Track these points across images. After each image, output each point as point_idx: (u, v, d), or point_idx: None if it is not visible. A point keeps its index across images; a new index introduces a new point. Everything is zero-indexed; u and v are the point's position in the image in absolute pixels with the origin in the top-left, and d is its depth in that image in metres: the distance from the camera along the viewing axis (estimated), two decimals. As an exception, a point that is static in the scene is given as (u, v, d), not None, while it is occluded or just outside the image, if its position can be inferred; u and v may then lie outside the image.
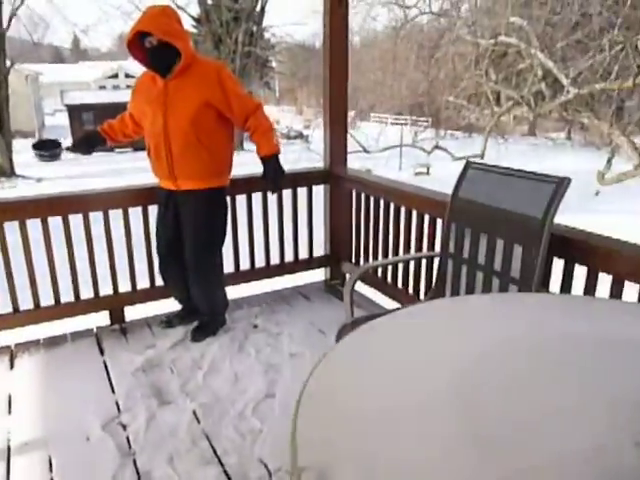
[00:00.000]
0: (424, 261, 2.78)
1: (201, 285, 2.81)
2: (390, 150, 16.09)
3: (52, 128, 29.50)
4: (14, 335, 2.80)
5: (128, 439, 2.08)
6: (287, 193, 3.20)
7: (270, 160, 2.66)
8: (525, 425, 0.96)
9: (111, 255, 2.89)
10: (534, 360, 1.17)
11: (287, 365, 2.56)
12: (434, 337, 1.31)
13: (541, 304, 1.55)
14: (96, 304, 2.95)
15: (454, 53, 9.85)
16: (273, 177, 2.69)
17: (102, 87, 33.89)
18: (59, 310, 2.86)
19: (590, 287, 1.95)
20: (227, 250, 3.05)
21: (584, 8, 8.36)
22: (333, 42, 3.09)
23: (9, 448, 2.06)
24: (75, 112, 24.11)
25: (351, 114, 22.69)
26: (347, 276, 3.48)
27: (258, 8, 22.78)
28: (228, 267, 3.15)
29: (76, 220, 2.75)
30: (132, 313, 3.06)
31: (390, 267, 3.07)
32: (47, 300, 2.83)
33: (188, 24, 23.81)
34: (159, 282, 2.95)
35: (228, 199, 2.82)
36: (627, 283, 1.84)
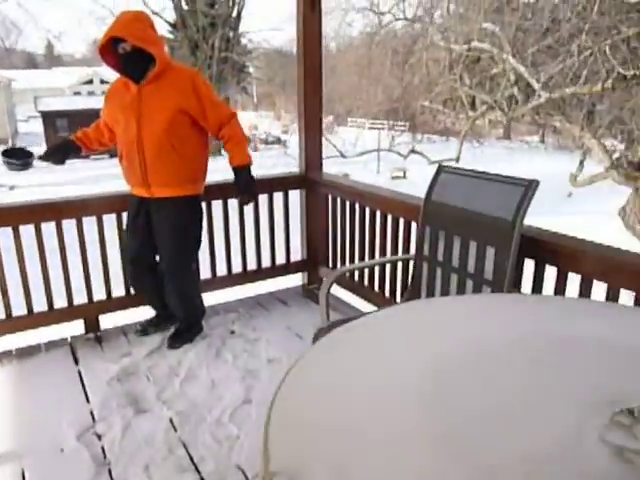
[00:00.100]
0: (400, 264, 2.80)
1: (177, 293, 2.80)
2: (368, 154, 16.19)
3: (26, 135, 29.02)
4: (-14, 346, 2.75)
5: (103, 449, 2.05)
6: (263, 198, 3.20)
7: (242, 171, 2.66)
8: (491, 423, 0.98)
9: (85, 263, 2.85)
10: (503, 359, 1.20)
11: (264, 370, 2.56)
12: (406, 338, 1.33)
13: (511, 304, 1.58)
14: (70, 313, 2.91)
15: (428, 58, 9.97)
16: (244, 188, 2.69)
17: (77, 93, 33.47)
18: (32, 320, 2.82)
19: (560, 287, 1.99)
20: (203, 256, 3.04)
21: (554, 14, 8.55)
22: (307, 48, 3.11)
23: (-20, 461, 2.01)
24: (49, 119, 23.78)
25: (329, 119, 22.80)
26: (324, 280, 3.49)
27: (234, 14, 22.75)
28: (205, 273, 3.14)
29: (49, 228, 2.71)
30: (107, 321, 3.02)
31: (367, 270, 3.09)
32: (20, 310, 2.78)
33: (164, 30, 23.67)
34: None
35: (204, 205, 2.82)
36: (595, 282, 1.89)
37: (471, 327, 1.36)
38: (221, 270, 3.24)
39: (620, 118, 9.42)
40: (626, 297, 1.80)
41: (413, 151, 11.28)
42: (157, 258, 2.78)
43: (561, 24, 8.10)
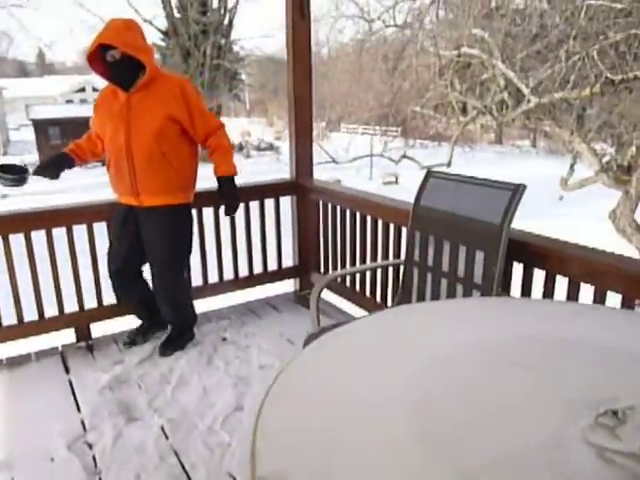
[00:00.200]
0: (391, 269, 2.81)
1: (169, 301, 2.80)
2: (360, 160, 16.24)
3: (17, 143, 28.92)
4: (-24, 356, 2.73)
5: (94, 458, 2.04)
6: (254, 205, 3.21)
7: (227, 181, 2.66)
8: (476, 426, 0.99)
9: (76, 271, 2.85)
10: (489, 362, 1.20)
11: (256, 377, 2.56)
12: (394, 342, 1.33)
13: (499, 308, 1.59)
14: (61, 322, 2.89)
15: (418, 64, 10.04)
16: (228, 199, 2.69)
17: (69, 101, 33.43)
18: (23, 329, 2.80)
19: (548, 290, 2.01)
20: (195, 263, 3.04)
21: (543, 20, 8.63)
22: (296, 54, 3.13)
23: (-30, 472, 2.00)
24: (41, 127, 23.71)
25: (322, 125, 22.85)
26: (315, 286, 3.50)
27: (226, 21, 22.86)
28: (196, 280, 3.15)
29: (39, 237, 2.70)
30: (98, 330, 3.01)
31: (358, 276, 3.10)
32: (10, 319, 2.77)
33: (156, 37, 23.73)
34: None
35: (195, 212, 2.82)
36: (583, 285, 1.91)
37: (459, 331, 1.37)
38: (213, 277, 3.24)
39: (609, 122, 9.51)
40: (613, 299, 1.82)
41: (405, 156, 11.33)
42: (143, 267, 2.77)
43: (550, 30, 8.18)
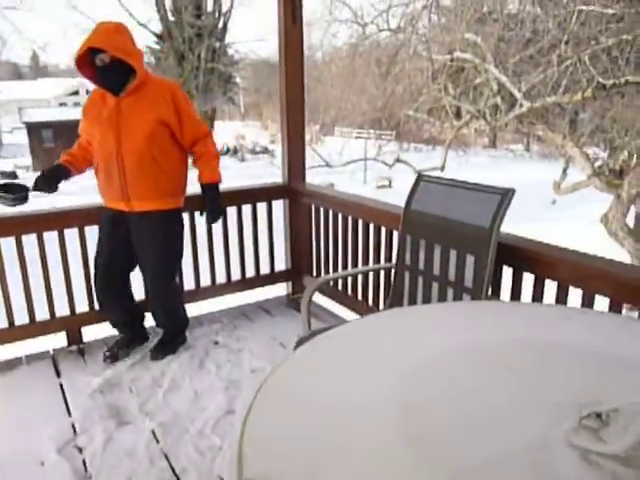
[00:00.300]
0: (382, 272, 2.82)
1: (161, 306, 2.80)
2: (354, 164, 16.28)
3: (10, 146, 28.80)
4: (-34, 360, 2.72)
5: (84, 462, 2.04)
6: (247, 208, 3.22)
7: (210, 189, 2.65)
8: (462, 428, 0.99)
9: (67, 275, 2.84)
10: (476, 365, 1.21)
11: (248, 381, 2.55)
12: (383, 346, 1.34)
13: (487, 312, 1.60)
14: (52, 325, 2.89)
15: (411, 68, 10.09)
16: (211, 206, 2.67)
17: (62, 104, 33.32)
18: (13, 332, 2.79)
19: (538, 293, 2.02)
20: (187, 267, 3.04)
21: (535, 25, 8.70)
22: (288, 59, 3.14)
23: (-41, 477, 1.99)
24: (34, 130, 23.62)
25: (315, 128, 22.89)
26: (305, 289, 3.50)
27: (220, 25, 22.88)
28: (188, 284, 3.14)
29: (30, 240, 2.70)
30: (90, 333, 3.00)
31: (350, 279, 3.11)
32: (1, 323, 2.76)
33: (150, 40, 23.72)
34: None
35: (187, 216, 2.82)
36: (571, 288, 1.92)
37: (448, 334, 1.38)
38: (205, 280, 3.24)
39: (602, 126, 9.58)
40: (601, 302, 1.83)
41: (398, 160, 11.37)
42: (130, 274, 2.75)
43: (542, 35, 8.24)
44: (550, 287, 1.98)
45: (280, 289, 3.62)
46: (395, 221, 2.45)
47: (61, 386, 2.57)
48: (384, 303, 2.85)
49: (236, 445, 0.99)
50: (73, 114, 22.46)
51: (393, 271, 2.43)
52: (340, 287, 3.18)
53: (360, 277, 3.03)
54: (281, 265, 3.55)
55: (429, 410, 1.05)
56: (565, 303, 1.93)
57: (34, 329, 2.83)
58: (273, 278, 3.52)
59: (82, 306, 2.93)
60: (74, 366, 2.75)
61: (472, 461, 0.91)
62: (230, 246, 3.23)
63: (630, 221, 8.43)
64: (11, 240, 2.65)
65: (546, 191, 11.32)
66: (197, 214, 3.01)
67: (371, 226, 2.86)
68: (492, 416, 1.04)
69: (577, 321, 1.49)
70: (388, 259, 2.77)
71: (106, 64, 2.33)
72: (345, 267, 3.13)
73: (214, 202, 2.68)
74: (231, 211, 3.16)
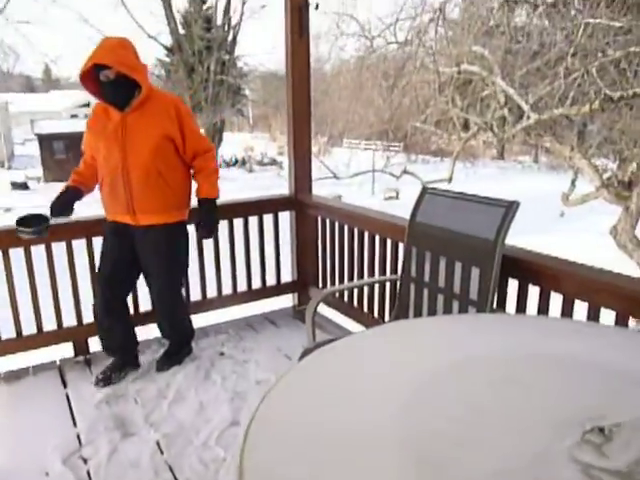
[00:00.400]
0: (388, 284, 2.82)
1: (168, 317, 2.81)
2: (362, 175, 16.31)
3: (22, 157, 29.12)
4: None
5: (89, 473, 2.04)
6: (254, 220, 3.24)
7: (207, 204, 2.64)
8: (465, 441, 0.99)
9: (75, 286, 2.86)
10: (482, 380, 1.21)
11: (253, 392, 2.55)
12: (387, 358, 1.34)
13: (492, 325, 1.59)
14: (59, 336, 2.91)
15: (419, 81, 10.14)
16: (206, 221, 2.66)
17: (74, 116, 33.65)
18: (21, 343, 2.81)
19: (543, 306, 2.02)
20: (194, 277, 3.06)
21: (543, 37, 8.71)
22: (295, 72, 3.17)
23: (-36, 487, 2.00)
24: (46, 141, 23.84)
25: (323, 140, 22.99)
26: (310, 301, 3.51)
27: (230, 38, 23.11)
28: (195, 295, 3.16)
29: (39, 251, 2.72)
30: (96, 344, 3.01)
31: (356, 291, 3.11)
32: (9, 333, 2.78)
33: (160, 53, 24.02)
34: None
35: (193, 228, 2.83)
36: (577, 301, 1.91)
37: (452, 348, 1.38)
38: (211, 291, 3.25)
39: (610, 138, 9.54)
40: (607, 316, 1.82)
41: (405, 172, 11.37)
42: (129, 293, 2.75)
43: (549, 47, 8.26)
44: (556, 300, 1.97)
45: (286, 300, 3.62)
46: (401, 233, 2.45)
47: (67, 396, 2.58)
48: (390, 315, 2.85)
49: (237, 458, 0.99)
50: (84, 126, 22.70)
51: (399, 283, 2.43)
52: (346, 299, 3.18)
53: (366, 289, 3.03)
54: (287, 276, 3.56)
55: (432, 425, 1.04)
56: (571, 316, 1.92)
57: (41, 339, 2.85)
58: (279, 289, 3.53)
59: (89, 317, 2.94)
60: (80, 377, 2.76)
61: (475, 477, 0.90)
62: (236, 257, 3.24)
63: (639, 233, 8.36)
64: (20, 251, 2.68)
65: (555, 203, 11.27)
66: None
67: (377, 238, 2.86)
68: (496, 431, 1.03)
69: (583, 335, 1.48)
70: (394, 271, 2.77)
71: (111, 80, 2.33)
72: (351, 279, 3.13)
73: (210, 217, 2.67)
74: (238, 223, 3.18)
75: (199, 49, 21.99)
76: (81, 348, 2.97)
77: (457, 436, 1.01)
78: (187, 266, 2.77)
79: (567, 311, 1.92)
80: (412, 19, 10.06)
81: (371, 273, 2.95)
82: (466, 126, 10.44)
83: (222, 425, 2.30)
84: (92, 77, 2.36)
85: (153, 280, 2.68)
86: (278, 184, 14.12)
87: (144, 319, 2.99)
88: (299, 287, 3.56)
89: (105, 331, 2.72)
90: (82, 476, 2.02)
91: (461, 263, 2.12)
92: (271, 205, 3.36)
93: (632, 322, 1.86)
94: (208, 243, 3.07)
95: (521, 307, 2.10)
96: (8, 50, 21.79)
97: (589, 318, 1.86)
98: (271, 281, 3.47)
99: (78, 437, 2.26)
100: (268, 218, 3.29)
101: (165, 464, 2.07)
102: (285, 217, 3.43)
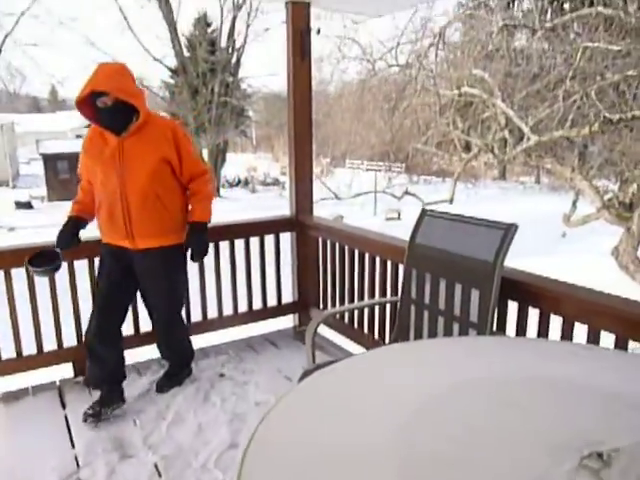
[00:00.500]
0: (388, 306, 2.82)
1: (167, 339, 2.81)
2: (364, 196, 16.39)
3: (26, 177, 29.35)
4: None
5: (86, 496, 2.02)
6: (255, 240, 3.25)
7: (197, 227, 2.61)
8: (462, 465, 0.99)
9: (75, 305, 2.87)
10: (481, 403, 1.21)
11: (252, 414, 2.54)
12: (388, 380, 1.34)
13: (493, 347, 1.59)
14: (59, 356, 2.90)
15: (420, 103, 10.26)
16: (196, 244, 2.63)
17: (79, 136, 33.95)
18: (21, 363, 2.81)
19: (543, 329, 2.01)
20: (194, 298, 3.06)
21: (542, 61, 8.84)
22: (296, 95, 3.22)
23: (-40, 509, 1.99)
24: (50, 161, 24.05)
25: (325, 161, 23.15)
26: (310, 322, 3.50)
27: (234, 60, 23.42)
28: (195, 315, 3.16)
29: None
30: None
31: (356, 312, 3.11)
32: (9, 353, 2.78)
33: (165, 75, 24.33)
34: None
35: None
36: (577, 324, 1.91)
37: (451, 371, 1.37)
38: (212, 312, 3.26)
39: (611, 159, 9.61)
40: (607, 338, 1.82)
41: (407, 192, 11.44)
42: (124, 320, 2.69)
43: (549, 70, 8.37)
44: (556, 322, 1.97)
45: (287, 321, 3.62)
46: (401, 254, 2.46)
47: (66, 418, 2.57)
48: (390, 337, 2.84)
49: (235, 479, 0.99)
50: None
51: (399, 305, 2.43)
52: (346, 320, 3.18)
53: (366, 310, 3.03)
54: (288, 297, 3.56)
55: (431, 447, 1.04)
56: (571, 339, 1.92)
57: (41, 359, 2.85)
58: (280, 310, 3.53)
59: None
60: (79, 397, 2.74)
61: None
62: (237, 278, 3.25)
63: (641, 254, 8.37)
64: (21, 271, 2.69)
65: (556, 224, 11.30)
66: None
67: (377, 259, 2.87)
68: (495, 454, 1.03)
69: (582, 358, 1.48)
70: (394, 292, 2.77)
71: (108, 106, 2.32)
72: (352, 300, 3.13)
73: (200, 240, 2.64)
74: (239, 243, 3.20)
75: (203, 71, 22.28)
76: (81, 368, 2.95)
77: (456, 458, 1.01)
78: (186, 287, 2.77)
79: (567, 333, 1.92)
80: (413, 43, 10.23)
81: (371, 294, 2.95)
82: (467, 147, 10.53)
83: (221, 447, 2.28)
84: (89, 102, 2.35)
85: (152, 302, 2.69)
86: (279, 204, 14.17)
87: (144, 340, 2.99)
88: (300, 308, 3.56)
89: (96, 358, 2.60)
90: (79, 499, 2.01)
91: (461, 285, 2.12)
92: (272, 226, 3.38)
93: (632, 345, 1.86)
94: (209, 264, 3.08)
95: (521, 329, 2.09)
96: (15, 72, 22.13)
97: (589, 341, 1.86)
98: (272, 302, 3.47)
99: (76, 459, 2.24)
100: (269, 239, 3.31)
101: (163, 487, 2.06)
102: (286, 238, 3.44)
